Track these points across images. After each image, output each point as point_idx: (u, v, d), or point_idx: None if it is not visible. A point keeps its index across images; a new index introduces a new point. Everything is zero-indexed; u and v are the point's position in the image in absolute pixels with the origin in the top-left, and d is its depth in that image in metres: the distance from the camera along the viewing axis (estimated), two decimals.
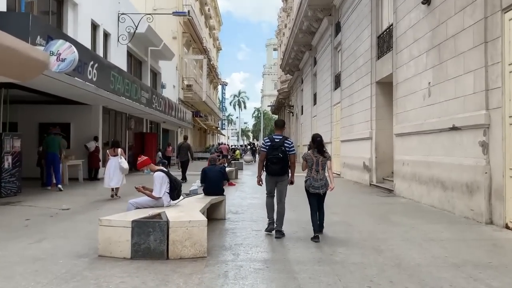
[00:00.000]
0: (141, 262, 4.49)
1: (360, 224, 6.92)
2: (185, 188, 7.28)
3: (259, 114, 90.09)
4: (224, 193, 7.39)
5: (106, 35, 16.26)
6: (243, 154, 35.56)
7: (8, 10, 9.84)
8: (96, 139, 14.63)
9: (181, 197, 6.36)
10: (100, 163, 14.55)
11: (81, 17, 13.76)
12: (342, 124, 17.41)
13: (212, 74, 49.44)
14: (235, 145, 63.62)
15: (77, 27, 13.48)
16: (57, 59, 8.71)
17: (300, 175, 6.34)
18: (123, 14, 17.24)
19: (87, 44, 13.59)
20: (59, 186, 11.17)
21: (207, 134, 52.01)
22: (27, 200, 9.25)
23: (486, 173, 6.80)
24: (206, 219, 4.96)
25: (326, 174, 5.99)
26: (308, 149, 6.25)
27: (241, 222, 7.07)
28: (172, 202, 6.00)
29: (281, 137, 6.07)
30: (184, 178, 14.20)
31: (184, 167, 14.71)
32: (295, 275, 4.13)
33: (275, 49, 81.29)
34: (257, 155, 29.92)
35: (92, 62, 11.24)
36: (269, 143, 5.99)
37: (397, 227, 6.67)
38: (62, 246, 5.22)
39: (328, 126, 20.61)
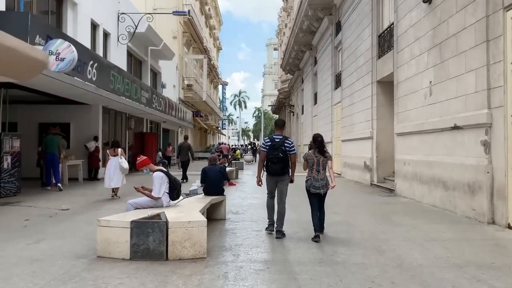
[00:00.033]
0: (140, 263, 4.45)
1: (361, 224, 6.87)
2: (185, 188, 7.25)
3: (260, 114, 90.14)
4: (224, 193, 7.35)
5: (106, 35, 16.22)
6: (243, 154, 35.54)
7: (7, 9, 9.80)
8: (96, 139, 14.60)
9: (181, 197, 6.32)
10: (100, 163, 14.52)
11: (81, 17, 13.72)
12: (343, 124, 17.37)
13: (213, 74, 49.41)
14: (235, 145, 63.60)
15: (77, 26, 13.45)
16: (56, 58, 8.67)
17: (300, 175, 6.30)
18: (123, 13, 17.20)
19: (87, 43, 13.55)
20: (59, 185, 11.14)
21: (208, 134, 51.97)
22: (27, 200, 9.21)
23: (488, 172, 6.75)
24: (205, 219, 4.92)
25: (327, 174, 5.96)
26: (309, 149, 6.24)
27: (241, 222, 7.02)
28: (172, 202, 5.96)
29: (281, 137, 6.04)
30: (185, 178, 14.20)
31: (184, 167, 14.69)
32: (295, 276, 4.09)
33: (275, 49, 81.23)
34: (257, 155, 29.85)
35: (91, 62, 11.19)
36: (269, 143, 5.96)
37: (399, 227, 6.62)
38: (61, 246, 5.18)
39: (328, 125, 20.56)
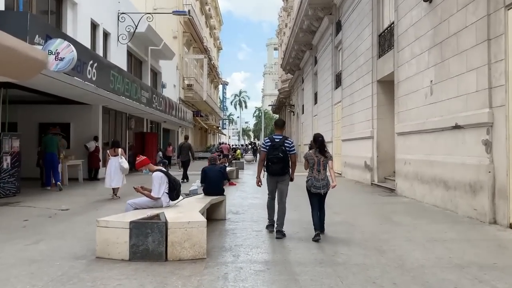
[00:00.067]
0: (140, 264, 4.42)
1: (362, 224, 6.83)
2: (185, 188, 7.21)
3: (260, 114, 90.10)
4: (225, 193, 7.32)
5: (106, 35, 16.19)
6: (244, 154, 35.52)
7: (6, 9, 9.77)
8: (96, 139, 14.57)
9: (181, 197, 6.28)
10: (100, 163, 14.49)
11: (81, 17, 13.69)
12: (343, 123, 17.33)
13: (213, 74, 49.38)
14: (236, 145, 63.58)
15: (77, 26, 13.42)
16: (55, 58, 8.66)
17: (300, 175, 6.26)
18: (123, 13, 17.18)
19: (87, 43, 13.52)
20: (58, 183, 11.11)
21: (208, 134, 51.95)
22: (26, 200, 9.18)
23: (489, 172, 6.71)
24: (205, 219, 4.88)
25: (328, 173, 5.94)
26: (309, 149, 6.22)
27: (241, 222, 6.99)
28: (171, 202, 5.92)
29: (281, 137, 6.03)
30: (186, 178, 14.20)
31: (185, 167, 14.68)
32: (296, 277, 4.06)
33: (275, 49, 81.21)
34: (258, 155, 29.84)
35: (91, 62, 11.17)
36: (269, 143, 5.95)
37: (400, 227, 6.58)
38: (60, 247, 5.15)
39: (329, 125, 20.53)
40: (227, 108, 77.11)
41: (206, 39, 42.23)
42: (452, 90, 7.97)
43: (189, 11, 28.87)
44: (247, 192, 11.53)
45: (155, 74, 24.01)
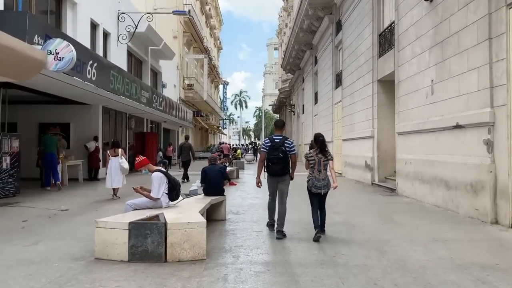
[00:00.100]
0: (139, 265, 4.38)
1: (363, 224, 6.79)
2: (185, 188, 7.18)
3: (260, 114, 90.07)
4: (225, 193, 7.29)
5: (106, 35, 16.16)
6: (244, 154, 35.49)
7: (5, 8, 9.74)
8: (96, 139, 14.54)
9: (180, 198, 6.25)
10: (100, 163, 14.46)
11: (80, 16, 13.66)
12: (344, 123, 17.29)
13: (213, 74, 49.34)
14: (236, 145, 63.54)
15: (76, 26, 13.39)
16: (54, 58, 8.63)
17: (301, 175, 6.23)
18: (123, 13, 17.14)
19: (87, 43, 13.49)
20: (58, 183, 11.08)
21: (208, 134, 51.92)
22: (26, 201, 9.15)
23: (491, 172, 6.67)
24: (205, 220, 4.84)
25: (328, 173, 5.91)
26: (310, 149, 6.20)
27: (241, 223, 6.95)
28: (171, 203, 5.89)
29: (281, 137, 6.01)
30: (186, 178, 14.18)
31: (185, 167, 14.66)
32: (296, 278, 4.02)
33: (276, 49, 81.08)
34: (258, 154, 29.82)
35: (91, 62, 11.14)
36: (269, 144, 5.93)
37: (401, 227, 6.55)
38: (59, 248, 5.11)
39: (329, 125, 20.49)
40: (227, 108, 77.11)
41: (206, 39, 42.20)
42: (453, 89, 7.93)
43: (189, 11, 28.83)
44: (247, 192, 11.49)
45: (155, 74, 23.98)
